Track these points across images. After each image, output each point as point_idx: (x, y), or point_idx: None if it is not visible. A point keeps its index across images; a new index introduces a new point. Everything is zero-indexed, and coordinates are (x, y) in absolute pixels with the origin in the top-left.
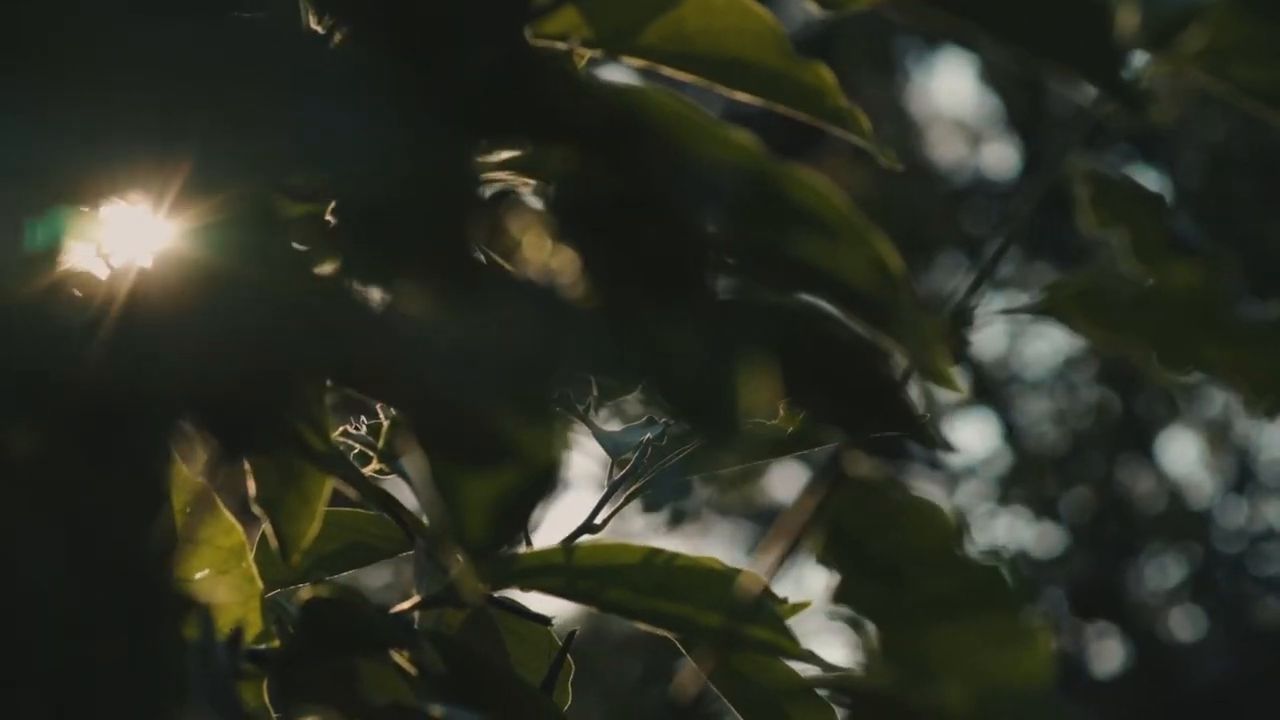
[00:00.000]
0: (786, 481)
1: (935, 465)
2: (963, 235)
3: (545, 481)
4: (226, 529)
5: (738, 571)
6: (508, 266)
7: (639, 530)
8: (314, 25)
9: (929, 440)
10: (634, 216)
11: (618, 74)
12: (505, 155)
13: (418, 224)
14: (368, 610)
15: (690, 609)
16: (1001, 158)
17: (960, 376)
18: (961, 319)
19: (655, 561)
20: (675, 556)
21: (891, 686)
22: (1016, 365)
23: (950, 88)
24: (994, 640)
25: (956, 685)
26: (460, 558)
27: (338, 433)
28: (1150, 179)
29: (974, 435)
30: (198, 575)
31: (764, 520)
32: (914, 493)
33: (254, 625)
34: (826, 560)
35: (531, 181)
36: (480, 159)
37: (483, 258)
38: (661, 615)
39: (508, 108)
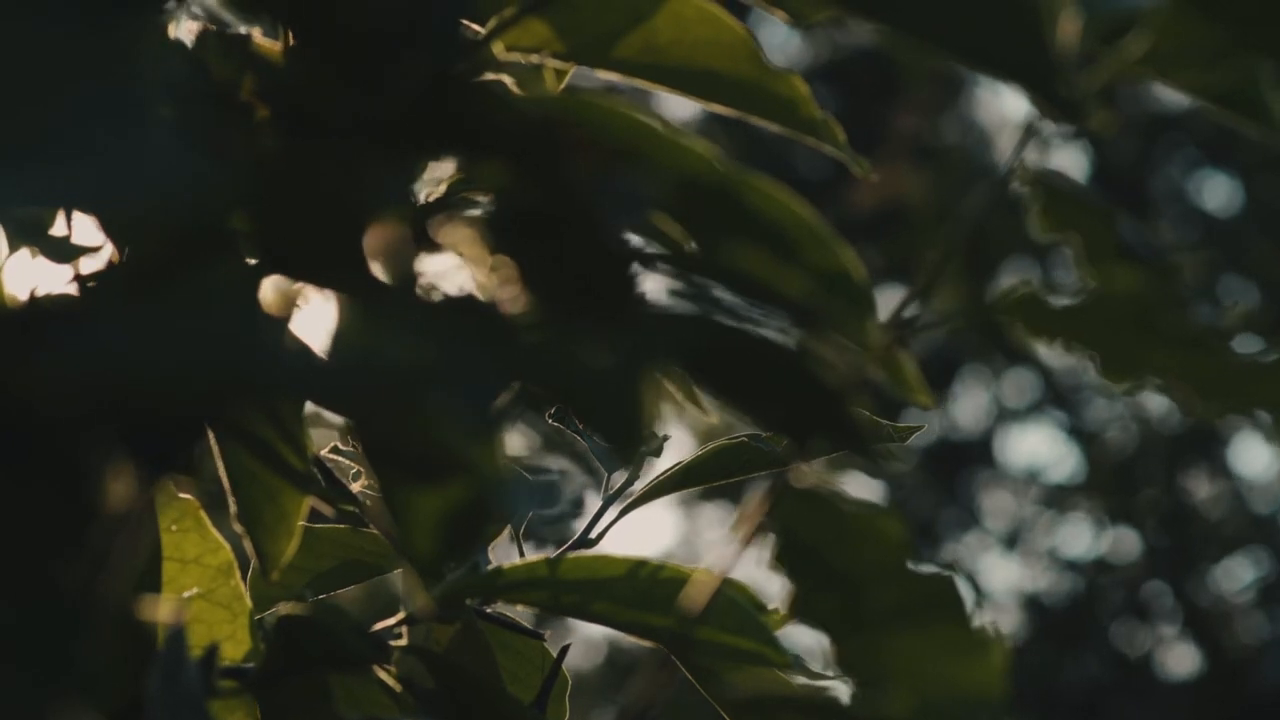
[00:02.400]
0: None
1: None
2: (1028, 241)
3: (495, 497)
4: (214, 547)
5: (726, 581)
6: (438, 280)
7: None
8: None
9: (873, 454)
10: (557, 229)
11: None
12: (451, 169)
13: (314, 236)
14: (341, 628)
15: (676, 621)
16: (1070, 162)
17: (924, 386)
18: (902, 329)
19: (640, 573)
20: (661, 567)
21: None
22: (1085, 371)
23: (1018, 93)
24: (948, 651)
25: (911, 696)
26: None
27: (327, 450)
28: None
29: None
30: (185, 594)
31: None
32: (863, 503)
33: (243, 643)
34: (782, 571)
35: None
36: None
37: (396, 272)
38: (648, 627)
39: (432, 124)
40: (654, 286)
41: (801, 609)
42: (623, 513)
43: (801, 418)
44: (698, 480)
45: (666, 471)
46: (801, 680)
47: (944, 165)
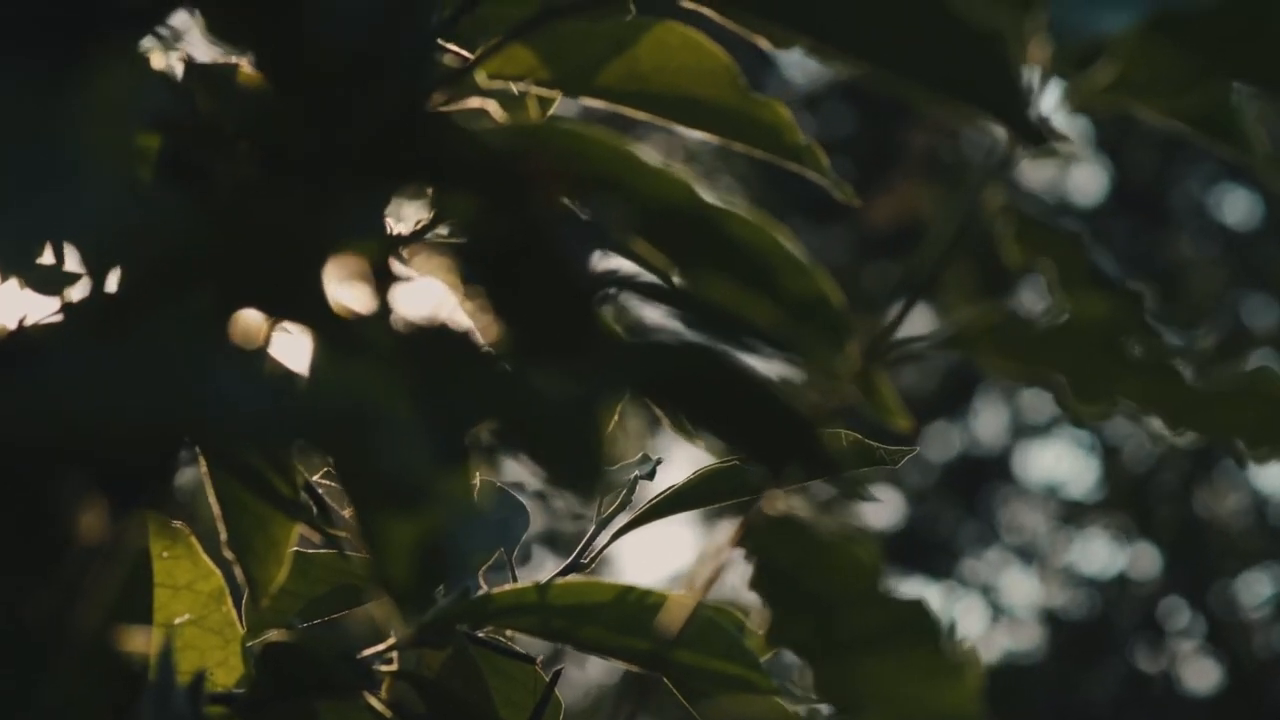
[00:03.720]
0: (879, 507)
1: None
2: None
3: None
4: (205, 573)
5: (714, 608)
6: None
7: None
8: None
9: (845, 481)
10: (522, 261)
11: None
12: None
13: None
14: (326, 655)
15: (656, 645)
16: (1090, 179)
17: (902, 410)
18: (877, 354)
19: (628, 599)
20: (648, 594)
21: None
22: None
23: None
24: (922, 675)
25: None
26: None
27: (319, 475)
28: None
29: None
30: (177, 620)
31: None
32: (836, 528)
33: (235, 669)
34: (759, 596)
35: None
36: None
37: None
38: (635, 652)
39: (399, 156)
40: (629, 313)
41: (777, 633)
42: (614, 537)
43: (773, 445)
44: (689, 504)
45: (659, 495)
46: (784, 704)
47: (962, 182)
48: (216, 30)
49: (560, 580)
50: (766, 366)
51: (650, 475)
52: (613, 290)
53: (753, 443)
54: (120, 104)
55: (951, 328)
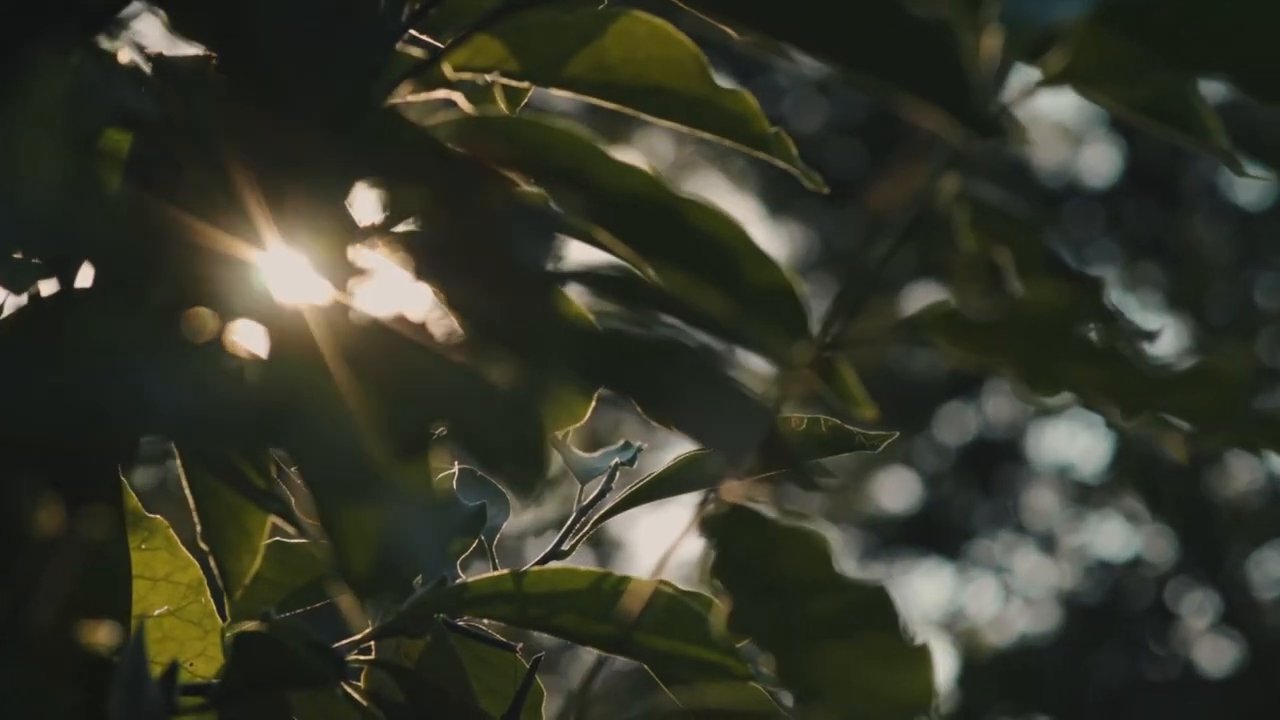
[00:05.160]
0: (894, 490)
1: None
2: (1062, 237)
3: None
4: (184, 565)
5: (689, 594)
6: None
7: None
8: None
9: (804, 475)
10: (472, 254)
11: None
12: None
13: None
14: (296, 645)
15: (640, 633)
16: (1102, 159)
17: (865, 398)
18: (831, 344)
19: (604, 586)
20: (624, 580)
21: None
22: None
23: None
24: (880, 661)
25: (844, 706)
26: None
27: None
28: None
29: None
30: (156, 612)
31: (875, 528)
32: (789, 516)
33: (214, 660)
34: (717, 586)
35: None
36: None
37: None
38: (610, 639)
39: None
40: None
41: (737, 622)
42: (594, 525)
43: (729, 433)
44: (667, 492)
45: (639, 481)
46: (761, 689)
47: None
48: (179, 26)
49: (535, 568)
50: (723, 356)
51: (631, 462)
52: (563, 281)
53: (708, 432)
54: (58, 105)
55: (904, 316)
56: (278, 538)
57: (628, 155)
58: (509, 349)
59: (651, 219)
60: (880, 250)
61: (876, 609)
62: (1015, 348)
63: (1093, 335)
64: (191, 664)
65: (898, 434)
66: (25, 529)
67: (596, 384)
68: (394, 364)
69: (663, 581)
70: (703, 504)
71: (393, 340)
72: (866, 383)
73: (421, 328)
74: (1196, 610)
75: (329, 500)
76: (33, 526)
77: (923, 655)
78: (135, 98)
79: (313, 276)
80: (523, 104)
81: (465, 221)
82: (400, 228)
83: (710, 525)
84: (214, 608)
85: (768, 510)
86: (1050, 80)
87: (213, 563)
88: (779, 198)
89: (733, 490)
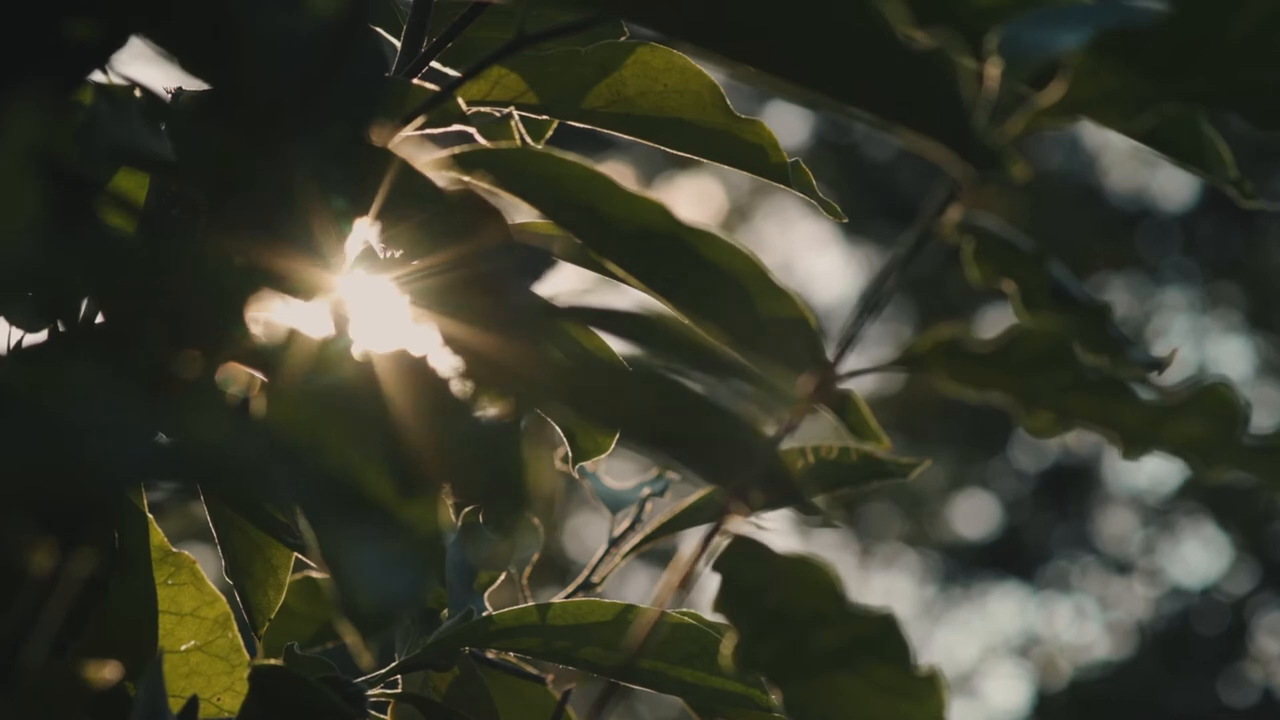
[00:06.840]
0: (970, 517)
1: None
2: (1136, 258)
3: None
4: (210, 600)
5: (713, 625)
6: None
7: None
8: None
9: (808, 508)
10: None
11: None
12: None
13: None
14: (313, 679)
15: (663, 664)
16: (1178, 181)
17: (877, 430)
18: (829, 374)
19: (628, 618)
20: (647, 613)
21: None
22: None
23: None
24: (888, 692)
25: None
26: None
27: None
28: None
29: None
30: (183, 646)
31: (953, 553)
32: (797, 551)
33: (241, 694)
34: (724, 617)
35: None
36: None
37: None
38: (635, 671)
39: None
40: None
41: (745, 654)
42: (624, 557)
43: (730, 468)
44: (699, 521)
45: (669, 513)
46: None
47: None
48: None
49: (560, 600)
50: (725, 391)
51: (662, 493)
52: (557, 318)
53: (708, 468)
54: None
55: (902, 349)
56: (307, 572)
57: (641, 190)
58: (500, 385)
59: (664, 251)
60: (881, 284)
61: (885, 639)
62: (1011, 379)
63: (1098, 365)
64: (219, 699)
65: (929, 461)
66: (21, 566)
67: (592, 421)
68: (391, 400)
69: (687, 613)
70: (708, 537)
71: (391, 376)
72: (940, 407)
73: (421, 362)
74: (1275, 635)
75: (329, 538)
76: (29, 564)
77: (932, 686)
78: (149, 137)
79: (309, 312)
80: (546, 136)
81: (460, 259)
82: (397, 265)
83: (715, 557)
84: (241, 643)
85: (770, 543)
86: (1050, 111)
87: (239, 597)
88: (855, 221)
89: (737, 523)
